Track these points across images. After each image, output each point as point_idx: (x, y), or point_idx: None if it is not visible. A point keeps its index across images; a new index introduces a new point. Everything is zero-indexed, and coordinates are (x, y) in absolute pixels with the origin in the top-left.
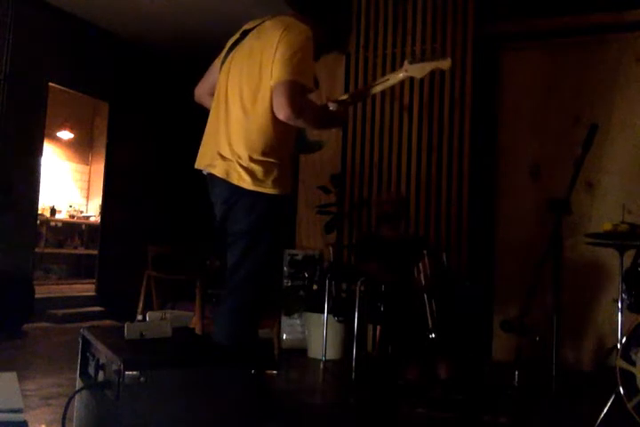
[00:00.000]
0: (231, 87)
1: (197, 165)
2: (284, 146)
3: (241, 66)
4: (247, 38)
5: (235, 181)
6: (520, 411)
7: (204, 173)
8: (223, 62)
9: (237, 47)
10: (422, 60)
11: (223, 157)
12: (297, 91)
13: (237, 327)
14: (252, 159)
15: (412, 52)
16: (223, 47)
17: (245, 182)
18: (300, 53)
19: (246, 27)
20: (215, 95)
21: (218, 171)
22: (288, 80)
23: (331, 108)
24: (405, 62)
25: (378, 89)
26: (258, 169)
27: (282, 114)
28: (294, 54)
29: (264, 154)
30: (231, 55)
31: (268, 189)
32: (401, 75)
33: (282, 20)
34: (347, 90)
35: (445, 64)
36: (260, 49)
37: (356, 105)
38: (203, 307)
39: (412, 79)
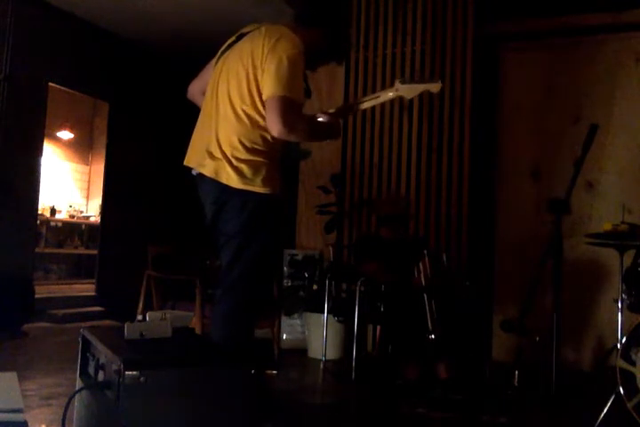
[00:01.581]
0: (221, 88)
1: (187, 163)
2: (272, 146)
3: (231, 68)
4: (241, 41)
5: (224, 181)
6: (520, 411)
7: (194, 173)
8: (217, 63)
9: (231, 49)
10: (414, 81)
11: (212, 157)
12: (289, 106)
13: (232, 328)
14: (240, 159)
15: (411, 73)
16: (226, 42)
17: (234, 181)
18: (290, 68)
19: (243, 30)
20: (206, 95)
21: (207, 170)
22: (280, 96)
23: (320, 120)
24: (397, 82)
25: (366, 105)
26: (246, 168)
27: (274, 130)
28: (285, 69)
29: (252, 153)
30: (224, 57)
31: (257, 188)
32: (391, 93)
33: (277, 29)
34: (346, 90)
35: (435, 87)
36: (250, 53)
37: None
38: (203, 307)
39: (411, 74)
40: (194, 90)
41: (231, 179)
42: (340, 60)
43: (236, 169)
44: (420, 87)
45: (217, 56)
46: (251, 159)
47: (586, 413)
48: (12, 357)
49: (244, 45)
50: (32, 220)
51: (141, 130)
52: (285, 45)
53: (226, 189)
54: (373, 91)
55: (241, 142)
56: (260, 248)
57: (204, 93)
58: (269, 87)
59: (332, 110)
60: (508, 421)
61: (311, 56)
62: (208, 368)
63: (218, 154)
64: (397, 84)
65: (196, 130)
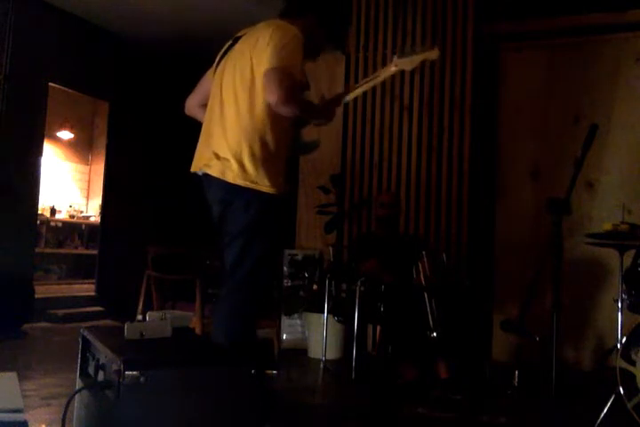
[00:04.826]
0: (226, 90)
1: (193, 169)
2: (279, 146)
3: (234, 68)
4: (239, 43)
5: (230, 180)
6: (520, 411)
7: (200, 173)
8: (217, 68)
9: (230, 52)
10: (411, 52)
11: (219, 157)
12: (286, 77)
13: (236, 327)
14: (247, 159)
15: (400, 47)
16: (222, 48)
17: (241, 181)
18: (288, 47)
19: (238, 34)
20: (210, 100)
21: (213, 171)
22: (278, 66)
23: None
24: (394, 57)
25: (369, 85)
26: (253, 168)
27: (271, 98)
28: (283, 47)
29: (260, 153)
30: (224, 59)
31: (263, 188)
32: (392, 69)
33: (272, 23)
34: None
35: (433, 54)
36: (250, 48)
37: (356, 105)
38: (203, 307)
39: (411, 75)
40: (191, 104)
41: (238, 178)
42: (339, 44)
43: (242, 169)
44: (419, 57)
45: (215, 63)
46: (258, 159)
47: (586, 413)
48: (12, 357)
49: (243, 46)
50: (32, 220)
51: (141, 130)
52: (283, 31)
53: (232, 188)
54: (373, 91)
55: (248, 144)
56: (264, 247)
57: (202, 107)
58: (268, 61)
59: (331, 96)
60: (508, 421)
61: (310, 45)
62: (208, 368)
63: (225, 154)
64: (395, 59)
65: (200, 137)
